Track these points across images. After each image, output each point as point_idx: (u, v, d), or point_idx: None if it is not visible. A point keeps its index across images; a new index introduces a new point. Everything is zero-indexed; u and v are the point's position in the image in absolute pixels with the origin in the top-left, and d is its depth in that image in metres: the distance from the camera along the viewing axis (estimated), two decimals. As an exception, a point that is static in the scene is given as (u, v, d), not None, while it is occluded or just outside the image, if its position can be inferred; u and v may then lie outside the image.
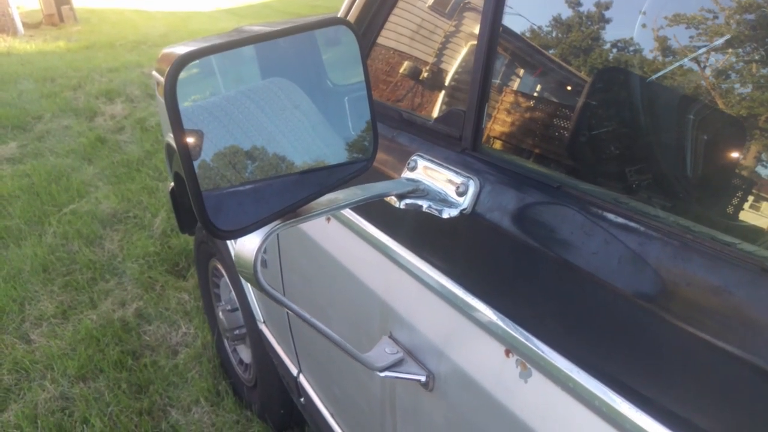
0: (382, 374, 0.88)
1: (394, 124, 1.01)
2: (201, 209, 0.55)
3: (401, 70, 1.08)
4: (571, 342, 0.67)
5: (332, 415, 1.36)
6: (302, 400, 1.54)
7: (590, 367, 0.64)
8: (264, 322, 1.68)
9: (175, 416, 2.25)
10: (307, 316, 0.73)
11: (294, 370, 1.55)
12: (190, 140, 0.54)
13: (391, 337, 0.96)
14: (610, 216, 0.65)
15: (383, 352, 0.90)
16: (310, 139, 0.76)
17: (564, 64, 0.88)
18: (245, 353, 2.30)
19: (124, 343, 2.62)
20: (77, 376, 2.43)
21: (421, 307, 0.89)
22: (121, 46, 9.58)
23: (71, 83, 7.00)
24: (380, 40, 1.09)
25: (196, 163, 0.54)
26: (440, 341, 0.87)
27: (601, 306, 0.64)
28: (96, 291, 2.98)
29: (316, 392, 1.44)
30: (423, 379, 0.88)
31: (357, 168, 0.75)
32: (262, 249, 0.63)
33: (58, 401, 2.32)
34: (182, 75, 0.52)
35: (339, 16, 1.11)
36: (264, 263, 1.50)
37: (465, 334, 0.82)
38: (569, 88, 0.86)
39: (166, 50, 2.49)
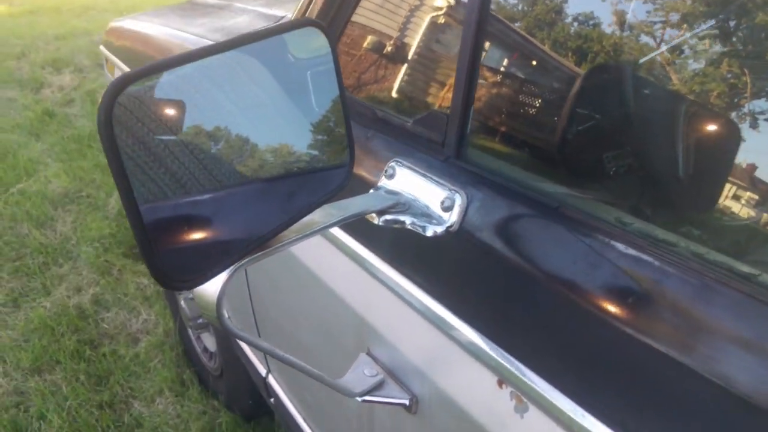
0: (362, 399, 0.81)
1: (367, 123, 0.92)
2: (151, 257, 0.47)
3: (374, 63, 0.99)
4: (573, 380, 0.62)
5: (304, 420, 1.31)
6: (272, 400, 1.48)
7: (597, 410, 0.59)
8: (229, 317, 1.60)
9: (138, 408, 2.17)
10: (280, 353, 0.65)
11: (263, 370, 1.48)
12: (135, 181, 0.45)
13: (369, 354, 0.90)
14: (619, 245, 0.59)
15: (362, 374, 0.84)
16: (277, 135, 0.68)
17: (560, 61, 0.80)
18: (210, 341, 2.22)
19: (81, 332, 2.50)
20: (32, 369, 2.31)
21: (403, 325, 0.83)
22: (68, 11, 9.03)
23: (14, 51, 6.56)
24: (350, 28, 0.99)
25: (143, 208, 0.45)
26: (424, 363, 0.81)
27: (608, 345, 0.58)
28: (49, 277, 2.83)
29: (286, 394, 1.38)
30: (406, 402, 0.82)
31: (334, 186, 0.66)
32: (226, 290, 0.55)
33: (11, 396, 2.20)
34: (122, 99, 0.43)
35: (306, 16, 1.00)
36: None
37: (451, 358, 0.76)
38: (566, 88, 0.79)
39: (114, 24, 2.32)
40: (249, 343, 0.61)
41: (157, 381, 2.27)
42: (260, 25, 1.71)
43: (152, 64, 0.46)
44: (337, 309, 0.94)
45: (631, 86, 0.89)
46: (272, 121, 0.69)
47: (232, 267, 0.53)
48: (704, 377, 0.50)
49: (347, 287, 0.93)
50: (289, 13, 1.76)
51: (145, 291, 2.75)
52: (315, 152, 0.73)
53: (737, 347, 0.49)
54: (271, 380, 1.44)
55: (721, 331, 0.50)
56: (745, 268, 0.59)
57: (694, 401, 0.52)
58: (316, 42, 0.67)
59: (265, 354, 1.33)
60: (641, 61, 0.82)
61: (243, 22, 1.84)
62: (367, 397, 0.82)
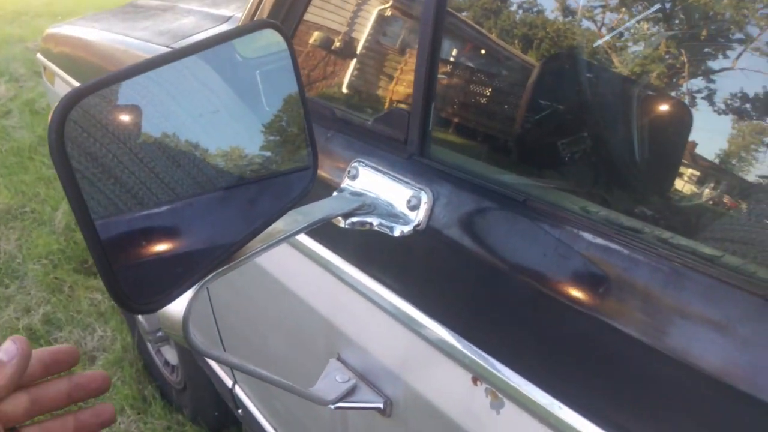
0: (335, 406, 0.80)
1: (327, 123, 0.90)
2: (111, 279, 0.44)
3: (330, 61, 0.97)
4: (548, 373, 0.61)
5: (275, 429, 1.28)
6: (240, 411, 1.44)
7: (574, 402, 0.59)
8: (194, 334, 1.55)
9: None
10: (251, 367, 0.63)
11: (228, 381, 1.44)
12: (91, 199, 0.42)
13: (339, 359, 0.88)
14: (587, 235, 0.59)
15: (334, 381, 0.82)
16: (233, 137, 0.66)
17: (517, 52, 0.80)
18: (171, 354, 2.16)
19: (33, 355, 2.39)
20: (-19, 397, 2.20)
21: (373, 328, 0.82)
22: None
23: (-56, 61, 6.24)
24: (303, 27, 0.97)
25: (99, 225, 0.43)
26: (396, 365, 0.79)
27: (581, 335, 0.59)
28: (-6, 299, 2.70)
29: (255, 405, 1.35)
30: (380, 406, 0.81)
31: (298, 190, 0.64)
32: (192, 308, 0.53)
33: (-40, 427, 2.09)
34: (73, 115, 0.40)
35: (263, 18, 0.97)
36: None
37: (424, 358, 0.75)
38: (524, 78, 0.79)
39: (52, 30, 2.22)
40: (220, 362, 0.59)
41: (118, 399, 2.18)
42: (208, 26, 1.66)
43: (103, 78, 0.43)
44: (305, 315, 0.92)
45: (586, 73, 0.90)
46: (229, 127, 0.67)
47: (198, 284, 0.51)
48: (676, 361, 0.50)
49: (314, 292, 0.91)
50: (237, 13, 1.72)
51: (100, 306, 2.65)
52: (276, 156, 0.71)
53: (707, 329, 0.50)
54: (238, 391, 1.40)
55: (689, 314, 0.50)
56: (707, 250, 0.60)
57: (668, 385, 0.52)
58: (268, 41, 0.65)
59: (234, 370, 1.29)
60: (595, 45, 0.83)
61: (189, 24, 1.79)
62: (340, 404, 0.80)
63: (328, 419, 0.99)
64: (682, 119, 0.92)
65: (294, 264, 0.92)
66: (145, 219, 0.52)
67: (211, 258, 0.54)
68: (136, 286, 0.47)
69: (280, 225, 0.62)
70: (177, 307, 0.51)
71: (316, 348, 0.92)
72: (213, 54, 0.56)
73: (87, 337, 2.50)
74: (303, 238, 0.89)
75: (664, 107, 0.94)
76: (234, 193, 0.63)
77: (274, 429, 1.28)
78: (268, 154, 0.70)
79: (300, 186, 0.69)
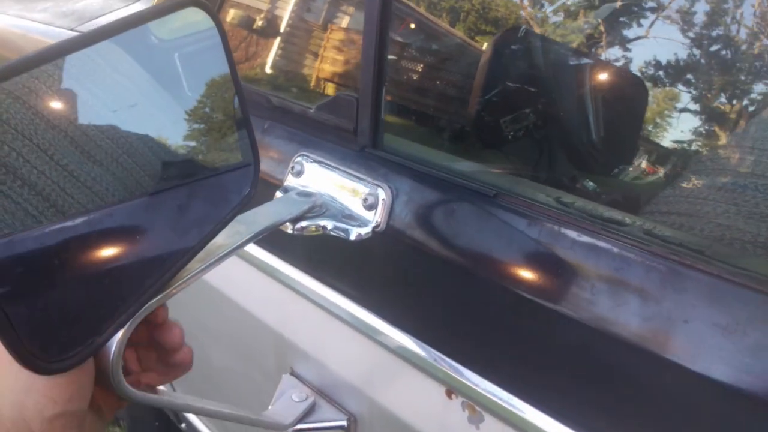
0: (295, 429, 0.72)
1: (262, 112, 0.81)
2: (8, 331, 0.34)
3: (260, 44, 0.87)
4: (529, 383, 0.56)
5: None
6: (183, 425, 1.34)
7: (560, 414, 0.53)
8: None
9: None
10: (194, 404, 0.54)
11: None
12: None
13: (293, 374, 0.80)
14: (568, 232, 0.53)
15: (290, 400, 0.74)
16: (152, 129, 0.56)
17: (468, 32, 0.74)
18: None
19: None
20: None
21: (329, 339, 0.74)
22: None
23: None
24: (227, 5, 0.86)
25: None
26: (358, 378, 0.72)
27: (563, 341, 0.53)
28: None
29: (200, 419, 1.25)
30: (344, 424, 0.74)
31: (240, 195, 0.55)
32: (123, 349, 0.43)
33: None
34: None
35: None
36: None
37: (390, 370, 0.68)
38: (476, 59, 0.73)
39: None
40: (161, 407, 0.50)
41: (45, 416, 2.02)
42: (117, 5, 1.51)
43: (10, 65, 0.33)
44: (252, 328, 0.83)
45: (539, 50, 0.84)
46: (151, 120, 0.57)
47: (128, 324, 0.41)
48: (669, 364, 0.46)
49: (259, 302, 0.82)
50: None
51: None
52: (207, 153, 0.61)
53: (712, 332, 0.45)
54: (180, 404, 1.30)
55: (698, 317, 0.46)
56: (698, 244, 0.56)
57: (659, 391, 0.48)
58: (190, 20, 0.55)
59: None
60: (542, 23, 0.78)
61: (95, 4, 1.61)
62: (299, 426, 0.73)
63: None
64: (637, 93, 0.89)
65: (235, 272, 0.82)
66: (49, 237, 0.41)
67: (143, 287, 0.44)
68: (44, 336, 0.37)
69: (220, 238, 0.53)
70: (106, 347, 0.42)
71: (266, 363, 0.84)
72: (128, 38, 0.46)
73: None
74: (244, 244, 0.79)
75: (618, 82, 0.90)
76: (162, 199, 0.54)
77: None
78: (200, 149, 0.60)
79: (240, 188, 0.60)
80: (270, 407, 0.74)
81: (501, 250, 0.57)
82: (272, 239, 0.76)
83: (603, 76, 0.91)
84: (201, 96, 0.59)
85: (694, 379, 0.44)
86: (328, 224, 0.63)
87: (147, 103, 0.56)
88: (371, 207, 0.64)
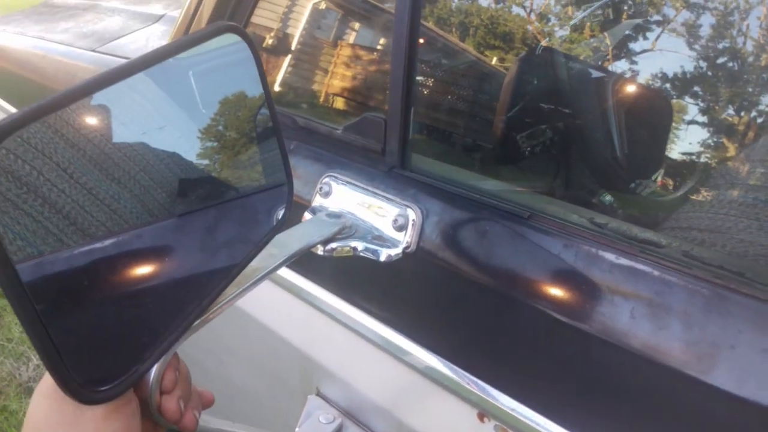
0: (322, 451, 0.71)
1: (287, 133, 0.81)
2: (56, 360, 0.34)
3: (284, 66, 0.87)
4: (564, 406, 0.55)
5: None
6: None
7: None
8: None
9: (40, 468, 1.91)
10: (225, 428, 0.54)
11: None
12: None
13: (318, 394, 0.79)
14: (606, 254, 0.52)
15: (317, 422, 0.73)
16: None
17: (494, 53, 0.74)
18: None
19: (-39, 392, 2.18)
20: None
21: (357, 361, 0.73)
22: None
23: None
24: (250, 29, 0.87)
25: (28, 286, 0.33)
26: (386, 400, 0.72)
27: (602, 365, 0.52)
28: None
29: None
30: (371, 446, 0.73)
31: (276, 219, 0.55)
32: (161, 376, 0.43)
33: None
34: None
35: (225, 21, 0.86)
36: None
37: (420, 392, 0.67)
38: (501, 81, 0.73)
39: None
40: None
41: (60, 433, 2.01)
42: (137, 26, 1.52)
43: (26, 112, 0.33)
44: (277, 349, 0.83)
45: (563, 68, 0.84)
46: (181, 144, 0.57)
47: (168, 352, 0.41)
48: (716, 391, 0.45)
49: (285, 323, 0.82)
50: (168, 11, 1.58)
51: (33, 333, 2.44)
52: (243, 177, 0.61)
53: (756, 358, 0.44)
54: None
55: (736, 344, 0.45)
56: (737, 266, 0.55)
57: (703, 418, 0.47)
58: (224, 45, 0.55)
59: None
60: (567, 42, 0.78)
61: (115, 25, 1.63)
62: (327, 447, 0.72)
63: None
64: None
65: (261, 293, 0.82)
66: (92, 271, 0.41)
67: (182, 314, 0.44)
68: (89, 365, 0.37)
69: (254, 262, 0.53)
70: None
71: (292, 384, 0.83)
72: (164, 67, 0.46)
73: (21, 367, 2.30)
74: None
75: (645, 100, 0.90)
76: (197, 224, 0.54)
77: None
78: (234, 174, 0.60)
79: (273, 211, 0.60)
80: (297, 429, 0.74)
81: (536, 272, 0.57)
82: (299, 260, 0.76)
83: (628, 92, 0.91)
84: (229, 119, 0.60)
85: (742, 405, 0.44)
86: (359, 245, 0.63)
87: (175, 128, 0.57)
88: (401, 228, 0.64)
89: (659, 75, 0.86)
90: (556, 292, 0.55)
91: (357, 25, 0.91)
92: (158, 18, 1.53)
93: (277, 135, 0.59)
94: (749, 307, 0.45)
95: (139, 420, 0.39)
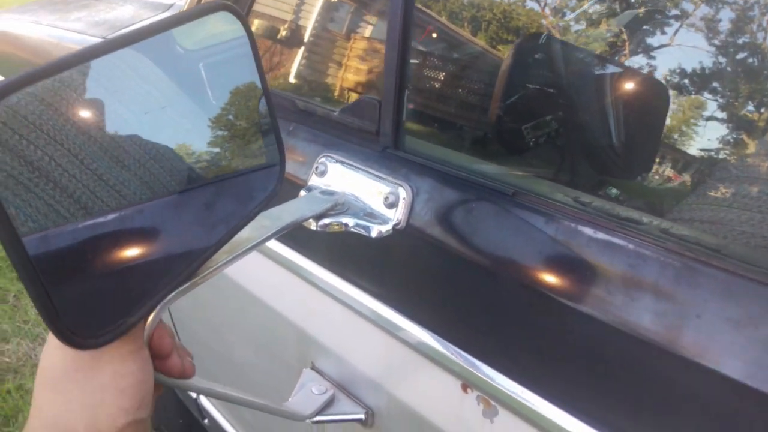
0: (313, 421, 0.74)
1: (287, 115, 0.83)
2: (50, 311, 0.37)
3: (286, 51, 0.90)
4: (544, 378, 0.57)
5: (245, 440, 1.21)
6: (206, 421, 1.37)
7: (574, 408, 0.55)
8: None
9: (53, 446, 1.97)
10: (218, 389, 0.57)
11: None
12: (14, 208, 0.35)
13: (313, 368, 0.82)
14: (586, 229, 0.54)
15: (310, 393, 0.76)
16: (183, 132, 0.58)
17: (490, 37, 0.76)
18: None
19: (-21, 372, 2.24)
20: None
21: (350, 335, 0.76)
22: None
23: None
24: (253, 16, 0.89)
25: (28, 240, 0.36)
26: (377, 373, 0.74)
27: (580, 337, 0.54)
28: (-72, 315, 2.51)
29: (223, 415, 1.28)
30: (362, 417, 0.75)
31: (266, 192, 0.58)
32: (152, 332, 0.46)
33: None
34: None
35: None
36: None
37: (408, 365, 0.70)
38: (497, 64, 0.75)
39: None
40: (188, 390, 0.52)
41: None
42: (148, 15, 1.56)
43: (29, 73, 0.36)
44: (274, 324, 0.85)
45: (559, 55, 0.86)
46: (179, 124, 0.59)
47: (157, 307, 0.44)
48: (688, 362, 0.47)
49: (282, 298, 0.84)
50: (178, 0, 1.61)
51: (47, 315, 2.50)
52: (235, 154, 0.64)
53: (727, 329, 0.46)
54: (204, 401, 1.33)
55: (709, 312, 0.47)
56: (713, 241, 0.57)
57: (676, 387, 0.49)
58: (219, 26, 0.57)
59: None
60: (563, 28, 0.80)
61: (127, 13, 1.67)
62: (318, 418, 0.75)
63: (301, 427, 0.94)
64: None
65: (258, 269, 0.85)
66: (85, 231, 0.44)
67: (171, 275, 0.47)
68: (81, 316, 0.40)
69: (245, 232, 0.56)
70: None
71: (288, 358, 0.86)
72: (154, 43, 0.49)
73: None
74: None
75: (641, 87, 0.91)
76: (190, 197, 0.56)
77: (244, 440, 1.21)
78: (226, 152, 0.63)
79: (266, 186, 0.62)
80: (290, 399, 0.76)
81: (518, 248, 0.59)
82: (295, 236, 0.79)
83: (624, 81, 0.92)
84: (232, 104, 0.62)
85: (704, 372, 0.46)
86: (350, 221, 0.66)
87: (175, 108, 0.59)
88: (392, 205, 0.66)
89: (659, 66, 0.87)
90: (535, 266, 0.57)
91: (356, 14, 0.93)
92: (169, 7, 1.57)
93: (272, 116, 0.61)
94: (717, 279, 0.46)
95: (152, 365, 0.42)
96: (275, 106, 0.58)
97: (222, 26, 0.55)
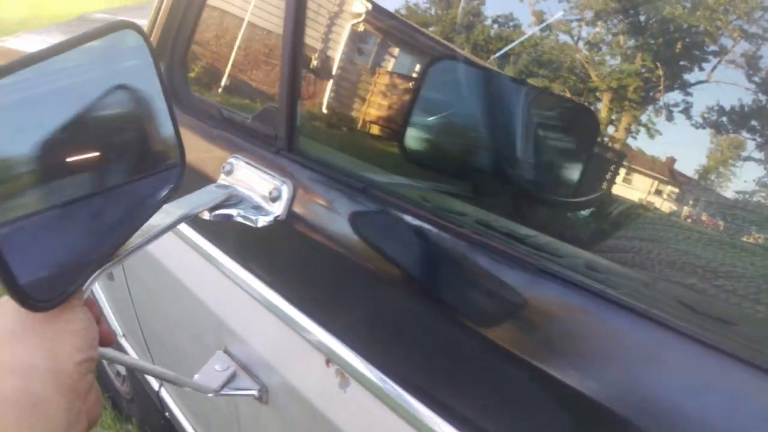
0: (216, 394, 0.82)
1: (215, 123, 0.94)
2: (11, 277, 0.46)
3: (219, 63, 1.00)
4: (381, 353, 0.65)
5: (194, 429, 1.29)
6: (167, 414, 1.46)
7: (398, 377, 0.62)
8: (124, 335, 1.57)
9: (45, 441, 2.07)
10: (131, 360, 0.66)
11: (155, 384, 1.46)
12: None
13: (226, 351, 0.90)
14: (428, 226, 0.62)
15: (213, 370, 0.85)
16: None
17: (390, 52, 0.85)
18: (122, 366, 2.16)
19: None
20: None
21: (252, 320, 0.84)
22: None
23: None
24: (199, 31, 1.01)
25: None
26: (270, 354, 0.82)
27: (414, 317, 0.62)
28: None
29: (178, 407, 1.36)
30: (255, 393, 0.83)
31: (170, 186, 0.67)
32: (84, 298, 0.55)
33: None
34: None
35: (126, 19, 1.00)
36: (111, 276, 1.39)
37: (291, 345, 0.78)
38: (393, 79, 0.83)
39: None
40: (109, 359, 0.61)
41: (66, 410, 2.18)
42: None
43: None
44: (197, 309, 0.95)
45: (468, 75, 0.93)
46: (90, 134, 0.69)
47: (90, 279, 0.54)
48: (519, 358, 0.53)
49: (203, 287, 0.94)
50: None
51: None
52: (146, 156, 0.73)
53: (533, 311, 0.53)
54: (164, 393, 1.42)
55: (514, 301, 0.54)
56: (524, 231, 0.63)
57: (484, 367, 0.56)
58: (127, 42, 0.68)
59: (146, 327, 1.31)
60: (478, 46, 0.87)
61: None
62: (222, 392, 0.83)
63: (225, 411, 1.02)
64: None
65: (186, 258, 0.95)
66: (33, 223, 0.54)
67: (98, 254, 0.56)
68: (35, 287, 0.49)
69: (154, 219, 0.65)
70: None
71: (208, 341, 0.95)
72: (66, 59, 0.59)
73: None
74: (189, 232, 0.92)
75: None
76: (108, 195, 0.66)
77: (194, 428, 1.29)
78: (138, 154, 0.73)
79: (171, 182, 0.72)
80: (196, 376, 0.85)
81: (368, 238, 0.67)
82: (209, 228, 0.88)
83: (541, 102, 0.99)
84: (134, 109, 0.72)
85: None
86: (237, 212, 0.75)
87: (88, 120, 0.68)
88: (275, 199, 0.75)
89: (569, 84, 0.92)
90: (379, 253, 0.65)
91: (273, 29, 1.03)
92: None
93: (173, 121, 0.71)
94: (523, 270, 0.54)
95: (97, 339, 0.50)
96: (175, 111, 0.68)
97: (126, 42, 0.65)
